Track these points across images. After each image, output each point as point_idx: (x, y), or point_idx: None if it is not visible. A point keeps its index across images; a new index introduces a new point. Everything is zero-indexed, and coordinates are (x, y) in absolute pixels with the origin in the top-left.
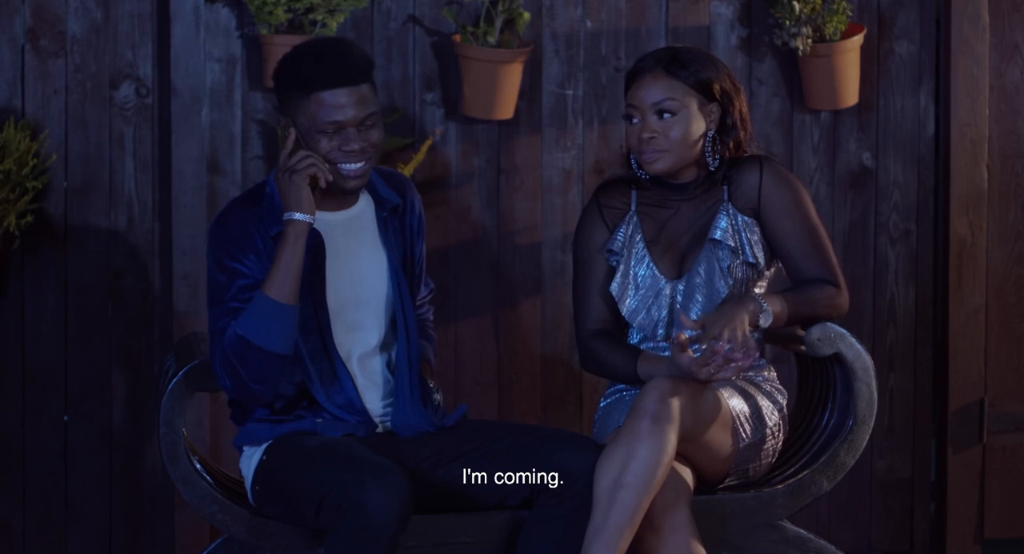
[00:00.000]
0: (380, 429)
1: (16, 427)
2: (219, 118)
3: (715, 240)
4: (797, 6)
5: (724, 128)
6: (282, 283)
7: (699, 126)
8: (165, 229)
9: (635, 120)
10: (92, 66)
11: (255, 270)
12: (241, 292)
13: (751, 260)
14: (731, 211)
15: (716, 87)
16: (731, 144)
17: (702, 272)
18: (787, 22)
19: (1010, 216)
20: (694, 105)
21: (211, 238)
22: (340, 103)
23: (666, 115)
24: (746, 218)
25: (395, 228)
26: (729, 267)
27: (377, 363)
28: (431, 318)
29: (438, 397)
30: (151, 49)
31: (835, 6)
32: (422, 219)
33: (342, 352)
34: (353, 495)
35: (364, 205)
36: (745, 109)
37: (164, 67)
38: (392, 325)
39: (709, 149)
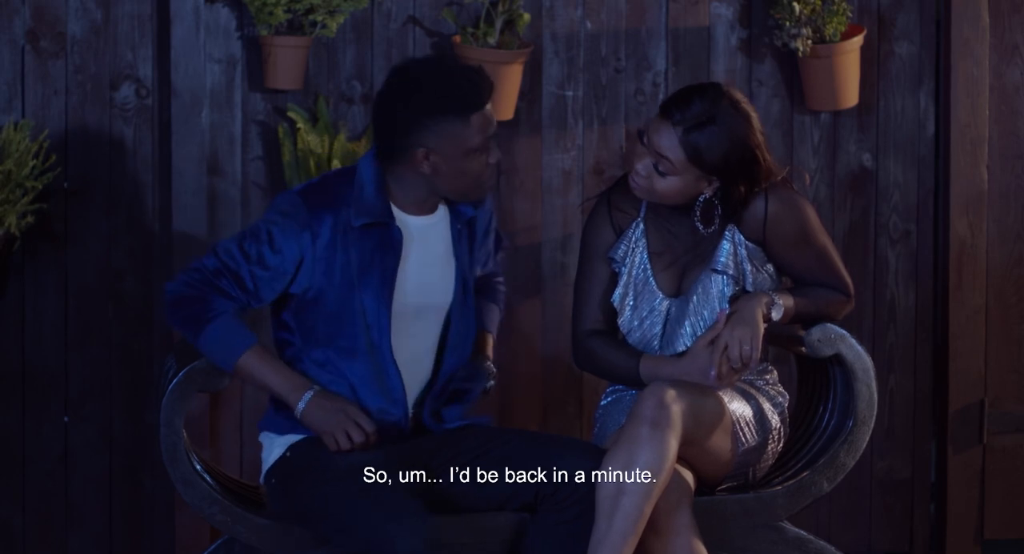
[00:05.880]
0: (410, 423)
1: (16, 428)
2: (219, 119)
3: (717, 270)
4: (797, 7)
5: (726, 195)
6: (251, 372)
7: (691, 189)
8: (165, 230)
9: (645, 143)
10: (92, 67)
11: (287, 257)
12: (257, 265)
13: (750, 290)
14: (736, 238)
15: (723, 166)
16: (735, 201)
17: (696, 299)
18: (787, 23)
19: (1010, 217)
20: (691, 178)
21: (289, 202)
22: (490, 119)
23: (659, 170)
24: (751, 245)
25: (467, 239)
26: (729, 298)
27: (424, 367)
28: (502, 288)
29: (491, 383)
30: (151, 50)
31: (835, 7)
32: (492, 216)
33: (396, 355)
34: (383, 537)
35: (442, 214)
36: (763, 165)
37: (164, 68)
38: (445, 332)
39: (699, 211)
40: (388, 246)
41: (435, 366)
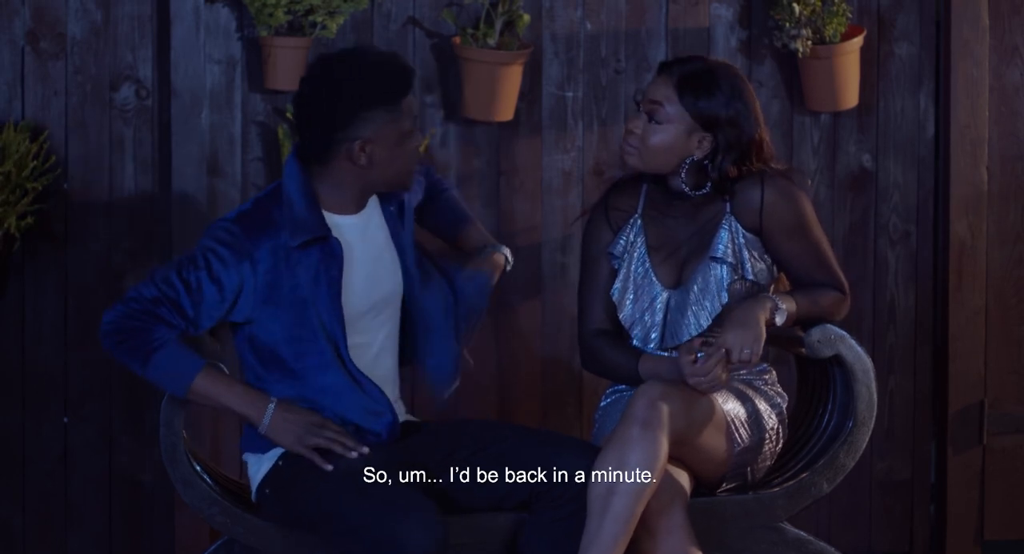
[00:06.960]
0: (401, 418)
1: (16, 428)
2: (219, 120)
3: (716, 257)
4: (797, 8)
5: (715, 157)
6: (206, 395)
7: (681, 147)
8: (165, 231)
9: (640, 109)
10: (92, 68)
11: (226, 287)
12: (196, 293)
13: (750, 278)
14: (734, 227)
15: (716, 117)
16: (728, 171)
17: (696, 288)
18: (787, 24)
19: (1010, 218)
20: (683, 128)
21: (226, 230)
22: (414, 103)
23: (653, 120)
24: (748, 235)
25: (400, 219)
26: (729, 285)
27: (385, 363)
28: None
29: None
30: (151, 51)
31: (835, 8)
32: (430, 173)
33: (355, 358)
34: (394, 534)
35: (373, 205)
36: (757, 137)
37: (164, 69)
38: (406, 318)
39: (684, 174)
40: (331, 259)
41: (402, 355)
